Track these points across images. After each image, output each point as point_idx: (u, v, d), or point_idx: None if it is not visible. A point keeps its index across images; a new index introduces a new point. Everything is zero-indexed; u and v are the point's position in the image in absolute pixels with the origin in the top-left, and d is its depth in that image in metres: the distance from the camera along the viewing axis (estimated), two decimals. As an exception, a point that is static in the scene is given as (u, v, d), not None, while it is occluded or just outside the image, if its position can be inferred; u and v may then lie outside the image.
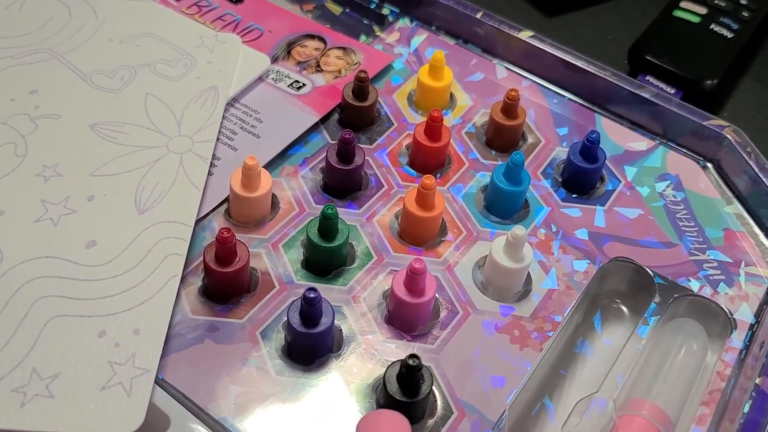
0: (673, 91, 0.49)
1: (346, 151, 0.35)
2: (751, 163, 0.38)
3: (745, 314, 0.34)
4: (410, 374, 0.27)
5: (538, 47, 0.42)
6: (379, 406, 0.29)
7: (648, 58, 0.51)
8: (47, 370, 0.27)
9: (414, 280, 0.30)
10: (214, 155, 0.36)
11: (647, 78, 0.50)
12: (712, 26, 0.54)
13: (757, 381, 0.29)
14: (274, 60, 0.42)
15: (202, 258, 0.31)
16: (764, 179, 0.37)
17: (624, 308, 0.36)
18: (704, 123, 0.40)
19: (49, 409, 0.26)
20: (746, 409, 0.28)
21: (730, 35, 0.53)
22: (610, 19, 0.57)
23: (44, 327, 0.28)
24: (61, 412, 0.26)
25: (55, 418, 0.26)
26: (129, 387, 0.27)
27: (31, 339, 0.28)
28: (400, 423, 0.18)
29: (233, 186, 0.33)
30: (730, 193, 0.38)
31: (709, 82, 0.50)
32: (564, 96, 0.42)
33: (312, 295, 0.28)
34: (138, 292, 0.30)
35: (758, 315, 0.33)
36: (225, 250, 0.30)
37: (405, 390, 0.28)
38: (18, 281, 0.29)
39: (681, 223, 0.37)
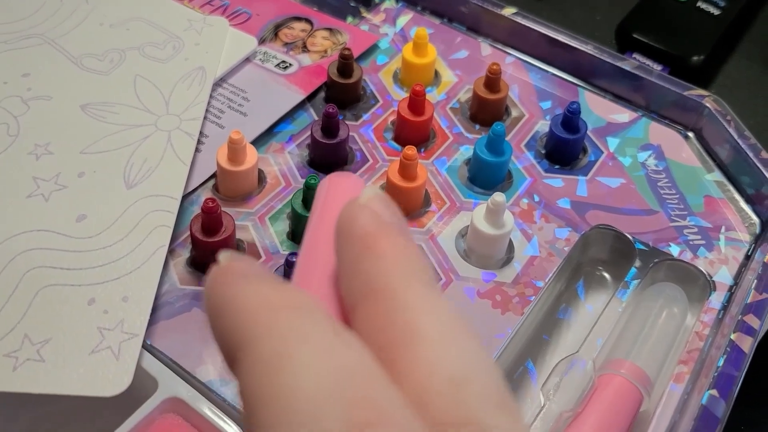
0: (660, 68, 0.50)
1: (330, 126, 0.36)
2: (730, 130, 0.38)
3: (724, 277, 0.34)
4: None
5: (521, 24, 0.43)
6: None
7: (635, 36, 0.52)
8: (38, 335, 0.28)
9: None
10: (202, 133, 0.37)
11: (634, 56, 0.51)
12: (699, 4, 0.54)
13: (732, 337, 0.30)
14: (262, 42, 0.42)
15: (189, 230, 0.32)
16: (744, 146, 0.38)
17: (606, 275, 0.37)
18: (685, 93, 0.40)
19: (40, 372, 0.27)
20: (720, 363, 0.29)
21: (716, 12, 0.54)
22: (599, -1, 0.57)
23: (36, 296, 0.29)
24: (51, 375, 0.27)
25: (46, 381, 0.27)
26: (117, 351, 0.28)
27: (23, 307, 0.29)
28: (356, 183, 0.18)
29: (220, 160, 0.34)
30: (711, 162, 0.39)
31: (695, 58, 0.50)
32: (547, 71, 0.43)
33: (294, 260, 0.29)
34: (126, 262, 0.31)
35: (737, 277, 0.34)
36: (211, 219, 0.31)
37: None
38: (10, 253, 0.30)
39: (662, 191, 0.37)
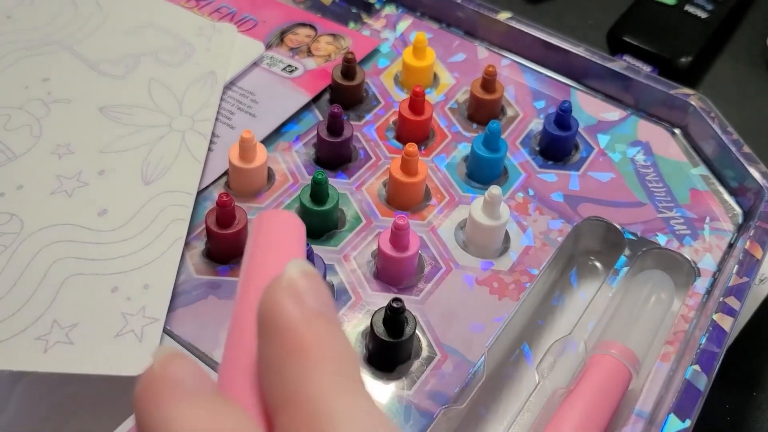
0: (649, 69, 0.52)
1: (335, 125, 0.38)
2: (714, 127, 0.40)
3: (708, 263, 0.36)
4: (395, 316, 0.30)
5: (516, 28, 0.45)
6: (368, 349, 0.32)
7: (625, 39, 0.54)
8: (66, 320, 0.30)
9: (398, 235, 0.33)
10: (213, 133, 0.39)
11: (624, 58, 0.53)
12: (687, 8, 0.56)
13: (714, 317, 0.32)
14: (268, 47, 0.45)
15: (204, 223, 0.34)
16: (727, 142, 0.40)
17: (598, 264, 0.39)
18: (671, 92, 0.42)
19: (69, 353, 0.29)
20: (702, 341, 0.31)
21: (704, 16, 0.56)
22: (591, 4, 0.59)
23: (62, 284, 0.31)
24: (80, 356, 0.29)
25: (74, 361, 0.29)
26: (140, 334, 0.30)
27: (50, 295, 0.31)
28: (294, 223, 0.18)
29: (231, 158, 0.36)
30: (696, 157, 0.41)
31: (683, 59, 0.53)
32: (541, 73, 0.45)
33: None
34: (146, 253, 0.33)
35: (720, 264, 0.36)
36: (225, 213, 0.33)
37: (390, 331, 0.30)
38: (37, 245, 0.32)
39: (650, 185, 0.39)
